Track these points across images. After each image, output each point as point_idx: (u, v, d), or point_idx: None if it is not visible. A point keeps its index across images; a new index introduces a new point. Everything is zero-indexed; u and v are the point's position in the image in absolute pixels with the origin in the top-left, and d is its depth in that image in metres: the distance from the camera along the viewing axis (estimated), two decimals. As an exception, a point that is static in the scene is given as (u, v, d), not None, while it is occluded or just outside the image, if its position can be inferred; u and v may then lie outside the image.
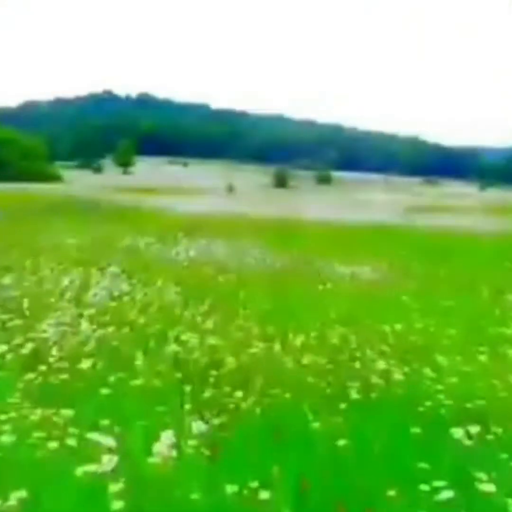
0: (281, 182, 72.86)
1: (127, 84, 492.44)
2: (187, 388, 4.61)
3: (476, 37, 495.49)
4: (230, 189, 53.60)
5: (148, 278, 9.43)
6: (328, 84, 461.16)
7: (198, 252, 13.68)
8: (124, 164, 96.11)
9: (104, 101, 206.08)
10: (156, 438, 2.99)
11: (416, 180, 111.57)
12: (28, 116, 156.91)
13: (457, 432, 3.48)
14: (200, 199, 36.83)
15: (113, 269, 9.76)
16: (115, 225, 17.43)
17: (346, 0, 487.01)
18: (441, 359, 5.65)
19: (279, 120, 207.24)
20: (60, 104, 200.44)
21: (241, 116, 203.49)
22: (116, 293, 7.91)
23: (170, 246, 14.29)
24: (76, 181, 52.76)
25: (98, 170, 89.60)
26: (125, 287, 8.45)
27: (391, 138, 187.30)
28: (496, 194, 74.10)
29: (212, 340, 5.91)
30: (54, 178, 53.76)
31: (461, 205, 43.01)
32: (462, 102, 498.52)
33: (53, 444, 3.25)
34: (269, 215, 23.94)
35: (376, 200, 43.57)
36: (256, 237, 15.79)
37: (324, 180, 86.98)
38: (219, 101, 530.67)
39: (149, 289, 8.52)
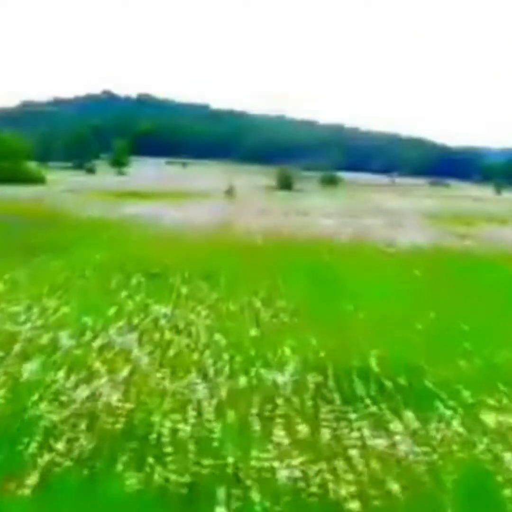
0: (285, 183, 67.41)
1: (126, 84, 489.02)
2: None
3: (479, 37, 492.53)
4: (231, 192, 48.17)
5: None
6: (329, 84, 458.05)
7: (146, 360, 6.01)
8: (118, 164, 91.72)
9: (103, 101, 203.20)
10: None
11: (421, 181, 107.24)
12: (26, 116, 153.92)
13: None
14: (196, 204, 31.77)
15: None
16: (30, 263, 10.55)
17: (347, 0, 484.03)
18: None
19: (280, 120, 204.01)
20: (58, 104, 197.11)
21: (241, 116, 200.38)
22: None
23: (88, 329, 6.88)
24: (61, 183, 48.02)
25: (91, 171, 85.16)
26: None
27: (393, 138, 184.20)
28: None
29: None
30: (36, 179, 49.50)
31: (502, 212, 37.57)
32: (464, 102, 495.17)
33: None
34: (282, 231, 18.39)
35: (399, 207, 38.22)
36: (270, 285, 9.88)
37: (330, 181, 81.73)
38: (219, 101, 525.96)
39: None
